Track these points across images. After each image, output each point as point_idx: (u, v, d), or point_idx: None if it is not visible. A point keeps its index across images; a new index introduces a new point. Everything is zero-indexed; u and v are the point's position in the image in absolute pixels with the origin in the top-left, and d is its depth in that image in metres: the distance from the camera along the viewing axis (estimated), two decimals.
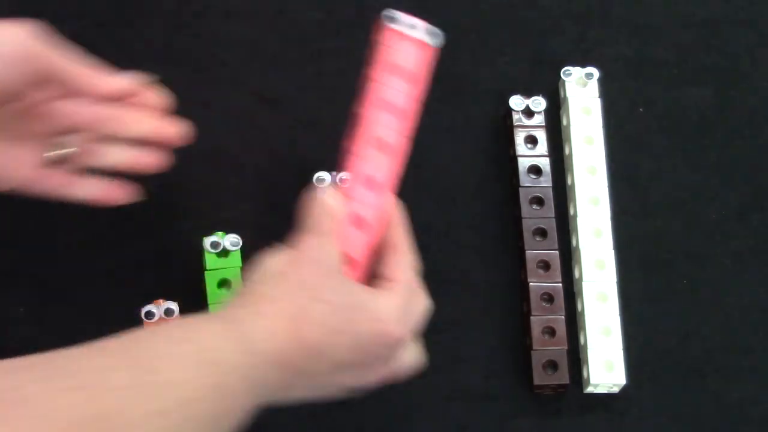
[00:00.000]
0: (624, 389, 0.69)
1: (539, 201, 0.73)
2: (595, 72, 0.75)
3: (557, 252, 0.71)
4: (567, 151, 0.75)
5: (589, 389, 0.69)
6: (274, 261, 0.54)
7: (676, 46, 0.80)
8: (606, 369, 0.68)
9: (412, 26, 0.57)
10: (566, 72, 0.76)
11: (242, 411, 0.48)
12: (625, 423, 0.70)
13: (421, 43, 0.58)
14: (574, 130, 0.74)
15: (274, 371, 0.50)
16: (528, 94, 0.75)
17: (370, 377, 0.55)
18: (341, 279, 0.54)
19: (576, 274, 0.72)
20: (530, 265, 0.71)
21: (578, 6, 0.81)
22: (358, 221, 0.56)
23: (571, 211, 0.73)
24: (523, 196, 0.72)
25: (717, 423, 0.70)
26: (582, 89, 0.76)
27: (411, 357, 0.56)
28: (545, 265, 0.71)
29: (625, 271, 0.72)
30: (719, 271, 0.74)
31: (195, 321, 0.50)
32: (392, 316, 0.53)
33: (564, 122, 0.76)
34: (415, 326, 0.56)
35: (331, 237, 0.55)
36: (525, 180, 0.73)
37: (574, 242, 0.73)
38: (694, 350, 0.72)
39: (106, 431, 0.40)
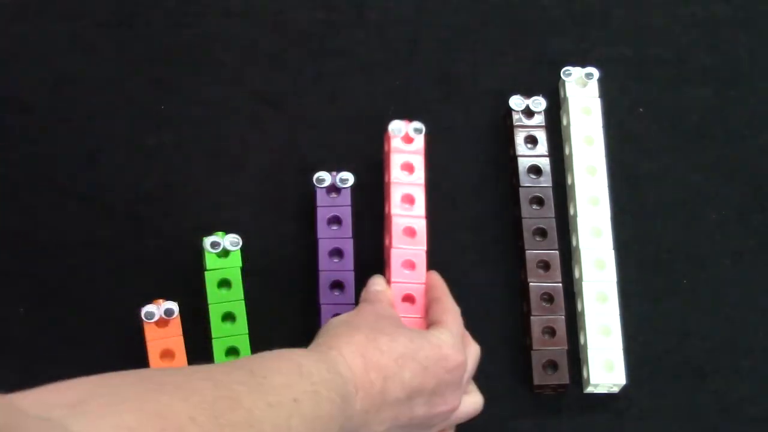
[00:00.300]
0: (624, 389, 0.69)
1: (539, 201, 0.73)
2: (595, 72, 0.75)
3: (557, 252, 0.71)
4: (567, 151, 0.75)
5: (589, 389, 0.69)
6: (338, 318, 0.62)
7: (676, 46, 0.80)
8: (606, 369, 0.68)
9: (406, 129, 0.70)
10: (566, 72, 0.76)
11: (335, 421, 0.54)
12: (625, 423, 0.70)
13: (418, 141, 0.70)
14: (574, 130, 0.74)
15: (359, 395, 0.56)
16: (528, 94, 0.75)
17: (441, 406, 0.59)
18: (400, 322, 0.63)
19: (576, 274, 0.72)
20: (530, 265, 0.71)
21: (578, 6, 0.81)
22: (408, 298, 0.67)
23: (571, 211, 0.73)
24: (523, 196, 0.72)
25: (717, 423, 0.70)
26: (582, 89, 0.75)
27: (472, 400, 0.63)
28: (545, 265, 0.71)
29: (625, 271, 0.71)
30: (719, 271, 0.74)
31: (288, 349, 0.56)
32: (449, 343, 0.60)
33: (564, 122, 0.76)
34: (471, 367, 0.62)
35: (385, 302, 0.65)
36: (525, 180, 0.73)
37: (574, 242, 0.73)
38: (694, 350, 0.72)
39: (231, 409, 0.47)
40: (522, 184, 0.73)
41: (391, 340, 0.58)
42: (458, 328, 0.63)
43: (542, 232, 0.72)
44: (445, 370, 0.59)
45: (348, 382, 0.55)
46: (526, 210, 0.72)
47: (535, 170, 0.73)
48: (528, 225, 0.72)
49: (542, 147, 0.74)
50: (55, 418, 0.41)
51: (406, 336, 0.59)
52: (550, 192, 0.73)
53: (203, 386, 0.48)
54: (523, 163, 0.73)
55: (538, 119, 0.74)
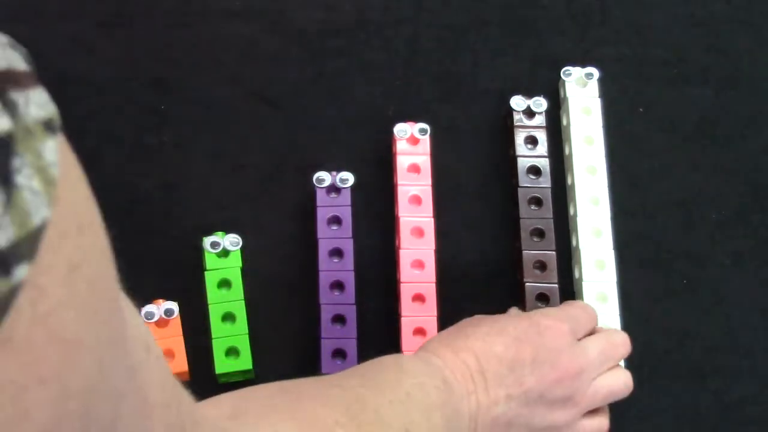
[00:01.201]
0: None
1: (538, 201, 0.72)
2: (595, 72, 0.75)
3: (554, 253, 0.71)
4: (567, 151, 0.75)
5: None
6: None
7: (676, 46, 0.80)
8: None
9: (411, 130, 0.72)
10: (566, 72, 0.76)
11: (447, 405, 0.56)
12: (625, 423, 0.70)
13: (423, 142, 0.72)
14: (574, 130, 0.74)
15: (458, 378, 0.57)
16: (528, 94, 0.75)
17: (552, 373, 0.59)
18: (494, 317, 0.63)
19: (576, 274, 0.72)
20: (527, 266, 0.70)
21: (578, 6, 0.81)
22: (418, 297, 0.68)
23: (571, 211, 0.73)
24: (522, 197, 0.72)
25: (717, 423, 0.70)
26: (582, 89, 0.75)
27: (616, 374, 0.63)
28: (542, 266, 0.71)
29: (625, 271, 0.71)
30: (719, 271, 0.74)
31: (384, 356, 0.59)
32: (543, 313, 0.62)
33: (564, 122, 0.76)
34: (603, 347, 0.62)
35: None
36: (524, 180, 0.73)
37: (574, 242, 0.73)
38: (694, 350, 0.72)
39: (362, 410, 0.51)
40: (521, 185, 0.72)
41: (475, 325, 0.60)
42: (567, 307, 0.64)
43: (540, 233, 0.71)
44: (538, 334, 0.59)
45: (444, 368, 0.57)
46: (525, 210, 0.72)
47: (535, 171, 0.73)
48: (526, 225, 0.71)
49: (542, 147, 0.74)
50: (224, 429, 0.44)
51: (492, 318, 0.61)
52: (549, 192, 0.73)
53: (334, 393, 0.52)
54: (523, 164, 0.73)
55: (539, 120, 0.74)
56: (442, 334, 0.62)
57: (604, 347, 0.62)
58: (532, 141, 0.74)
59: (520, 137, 0.74)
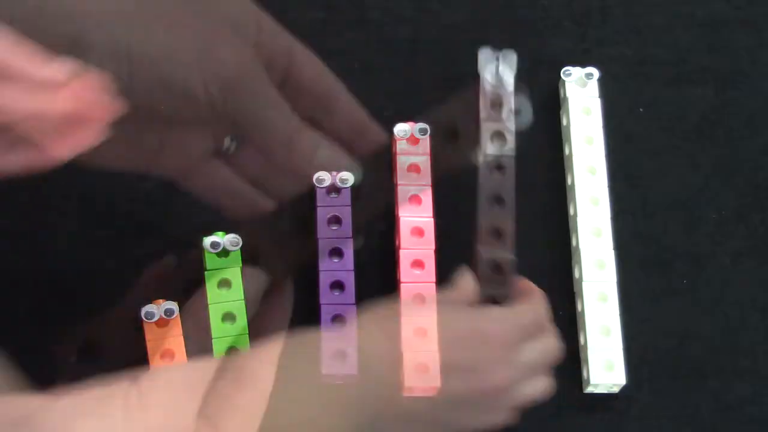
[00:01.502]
0: (624, 389, 0.69)
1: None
2: (595, 72, 0.75)
3: (512, 222, 0.69)
4: (567, 151, 0.75)
5: (589, 389, 0.69)
6: None
7: (676, 46, 0.80)
8: (606, 369, 0.68)
9: (411, 131, 0.71)
10: (566, 72, 0.76)
11: (356, 402, 0.54)
12: (625, 423, 0.70)
13: (423, 142, 0.71)
14: (574, 130, 0.74)
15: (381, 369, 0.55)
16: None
17: (481, 385, 0.56)
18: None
19: (576, 274, 0.72)
20: (482, 234, 0.69)
21: (578, 6, 0.81)
22: (418, 297, 0.67)
23: (571, 211, 0.73)
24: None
25: (717, 423, 0.70)
26: (582, 89, 0.76)
27: (538, 388, 0.60)
28: (498, 234, 0.69)
29: (625, 271, 0.72)
30: (719, 271, 0.74)
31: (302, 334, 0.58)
32: (494, 317, 0.59)
33: (564, 122, 0.76)
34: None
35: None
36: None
37: (574, 242, 0.73)
38: (694, 350, 0.72)
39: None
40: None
41: (370, 320, 0.58)
42: (517, 311, 0.60)
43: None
44: (480, 341, 0.57)
45: (368, 353, 0.55)
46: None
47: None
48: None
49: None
50: None
51: (435, 306, 0.59)
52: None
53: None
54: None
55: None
56: (375, 311, 0.59)
57: (538, 358, 0.60)
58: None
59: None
